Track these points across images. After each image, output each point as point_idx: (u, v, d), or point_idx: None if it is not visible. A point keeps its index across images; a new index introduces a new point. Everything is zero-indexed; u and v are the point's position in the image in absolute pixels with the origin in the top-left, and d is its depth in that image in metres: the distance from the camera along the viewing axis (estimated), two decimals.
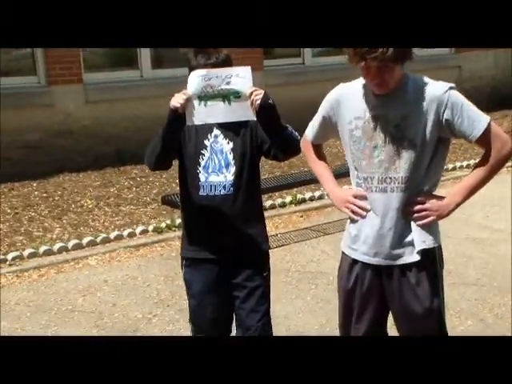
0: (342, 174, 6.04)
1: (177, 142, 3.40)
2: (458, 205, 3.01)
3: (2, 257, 6.10)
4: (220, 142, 3.43)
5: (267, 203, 7.42)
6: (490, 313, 4.98)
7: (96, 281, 5.74)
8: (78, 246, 6.38)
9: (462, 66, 12.64)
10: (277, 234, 6.73)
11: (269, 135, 3.34)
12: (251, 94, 3.17)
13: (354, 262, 3.18)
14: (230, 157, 3.42)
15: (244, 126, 3.41)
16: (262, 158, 3.53)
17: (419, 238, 3.00)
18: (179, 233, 6.68)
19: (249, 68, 3.20)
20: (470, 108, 2.91)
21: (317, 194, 7.68)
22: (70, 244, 6.37)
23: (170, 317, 5.04)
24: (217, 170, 3.41)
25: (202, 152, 3.43)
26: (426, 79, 2.99)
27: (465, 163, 8.93)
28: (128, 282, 5.72)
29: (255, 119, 3.25)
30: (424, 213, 2.98)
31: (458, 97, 2.91)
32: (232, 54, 3.40)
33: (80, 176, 8.62)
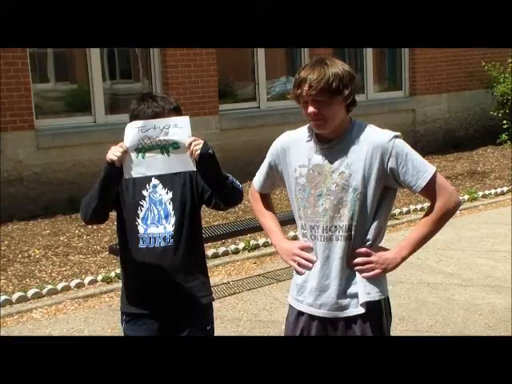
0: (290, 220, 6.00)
1: (114, 194, 3.30)
2: (404, 259, 2.94)
3: None
4: (159, 192, 3.33)
5: (220, 250, 7.31)
6: None
7: (39, 335, 5.53)
8: (23, 299, 6.17)
9: (416, 109, 12.76)
10: (229, 282, 6.60)
11: (209, 185, 3.27)
12: (190, 144, 3.10)
13: (300, 313, 3.10)
14: (170, 207, 3.32)
15: (183, 175, 3.32)
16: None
17: (364, 290, 2.93)
18: None
19: (187, 118, 3.14)
20: (415, 157, 2.86)
21: (270, 240, 7.57)
22: (15, 297, 6.16)
23: None
24: (156, 221, 3.32)
25: (141, 203, 3.33)
26: (372, 127, 2.95)
27: (419, 206, 8.93)
28: (74, 335, 5.52)
29: (195, 170, 3.17)
30: (369, 265, 2.92)
31: (403, 146, 2.86)
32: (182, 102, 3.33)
33: (30, 224, 8.42)
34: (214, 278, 6.60)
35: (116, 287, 6.40)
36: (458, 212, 8.73)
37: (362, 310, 2.94)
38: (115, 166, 3.12)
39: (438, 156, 12.20)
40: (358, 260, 2.93)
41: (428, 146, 12.42)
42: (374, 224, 2.93)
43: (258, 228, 6.97)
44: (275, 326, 5.51)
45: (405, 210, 8.84)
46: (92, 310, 6.05)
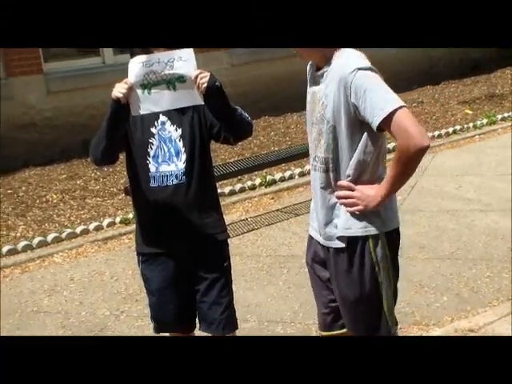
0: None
1: (122, 133, 3.24)
2: (383, 197, 2.80)
3: None
4: (168, 129, 3.26)
5: (237, 186, 7.27)
6: (465, 287, 4.88)
7: (62, 279, 5.57)
8: (43, 244, 6.20)
9: None
10: (247, 218, 6.58)
11: (218, 118, 3.21)
12: (197, 77, 3.03)
13: (311, 237, 3.14)
14: (180, 144, 3.26)
15: (191, 111, 3.24)
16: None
17: (344, 225, 2.90)
18: None
19: (191, 50, 3.04)
20: (375, 93, 2.66)
21: (287, 174, 7.53)
22: (35, 242, 6.19)
23: (139, 312, 4.89)
24: (167, 159, 3.26)
25: (150, 141, 3.26)
26: (352, 54, 2.79)
27: (436, 133, 8.80)
28: (95, 278, 5.56)
29: (203, 103, 3.11)
30: (351, 200, 2.86)
31: (363, 80, 2.68)
32: None
33: (46, 169, 8.40)
34: (232, 216, 6.59)
35: (134, 228, 6.38)
36: (476, 137, 8.75)
37: (339, 244, 2.91)
38: (121, 103, 3.06)
39: (454, 81, 11.98)
40: (339, 193, 2.89)
41: (444, 71, 12.18)
42: (354, 159, 2.81)
43: (275, 162, 6.95)
44: (295, 261, 5.50)
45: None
46: (112, 252, 6.07)
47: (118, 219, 6.62)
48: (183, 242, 3.32)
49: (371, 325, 2.98)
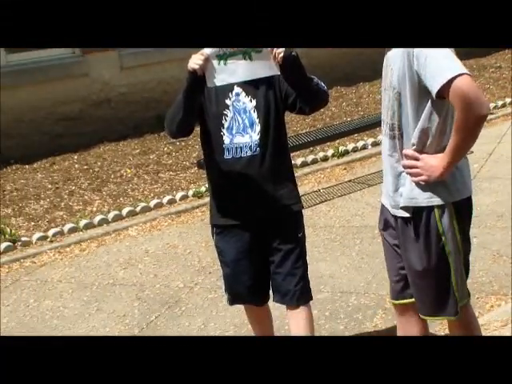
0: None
1: (198, 105, 3.24)
2: (445, 168, 2.71)
3: (43, 234, 6.05)
4: (242, 101, 3.24)
5: (309, 158, 7.21)
6: None
7: (137, 252, 5.66)
8: (118, 217, 6.30)
9: None
10: (319, 190, 6.52)
11: (294, 88, 3.18)
12: (273, 47, 3.00)
13: (382, 205, 3.07)
14: (254, 115, 3.24)
15: (265, 81, 3.21)
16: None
17: (409, 194, 2.83)
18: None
19: None
20: (438, 60, 2.58)
21: (360, 144, 7.43)
22: (110, 216, 6.30)
23: (212, 284, 4.92)
24: (241, 131, 3.24)
25: (225, 112, 3.25)
26: None
27: None
28: (169, 250, 5.62)
29: (279, 74, 3.08)
30: (415, 170, 2.79)
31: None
32: None
33: (120, 145, 8.52)
34: (305, 187, 6.55)
35: (207, 201, 6.33)
36: None
37: (405, 214, 2.85)
38: (197, 74, 3.05)
39: None
40: (405, 162, 2.83)
41: None
42: (419, 127, 2.75)
43: (347, 133, 6.87)
44: (368, 231, 5.43)
45: (500, 103, 8.45)
46: (185, 225, 6.12)
47: (190, 193, 6.66)
48: (257, 213, 3.31)
49: (438, 296, 2.91)
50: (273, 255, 3.36)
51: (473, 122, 2.56)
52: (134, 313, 4.66)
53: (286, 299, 3.39)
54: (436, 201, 2.80)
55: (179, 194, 6.63)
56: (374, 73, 10.16)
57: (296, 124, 8.31)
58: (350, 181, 6.70)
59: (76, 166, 7.88)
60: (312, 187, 6.61)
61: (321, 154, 7.25)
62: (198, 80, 3.08)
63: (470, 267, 4.60)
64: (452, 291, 2.89)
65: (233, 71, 3.07)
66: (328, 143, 7.21)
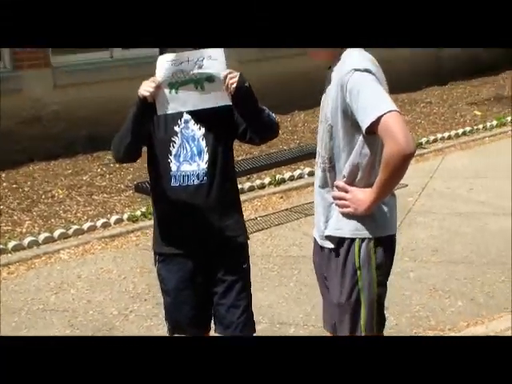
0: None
1: (146, 131, 3.17)
2: (372, 202, 2.76)
3: None
4: (191, 128, 3.19)
5: (245, 185, 7.18)
6: (480, 292, 4.81)
7: (69, 276, 5.48)
8: (50, 240, 6.10)
9: None
10: (256, 218, 6.49)
11: (245, 119, 3.14)
12: (226, 77, 2.97)
13: (314, 237, 3.09)
14: (203, 143, 3.18)
15: (216, 109, 3.15)
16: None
17: (335, 225, 2.88)
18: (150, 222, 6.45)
19: (222, 49, 2.98)
20: (368, 95, 2.63)
21: (296, 173, 7.45)
22: (41, 237, 6.09)
23: (148, 312, 4.81)
24: (189, 159, 3.18)
25: (173, 139, 3.19)
26: (354, 56, 2.77)
27: (446, 134, 8.72)
28: (103, 275, 5.46)
29: (231, 104, 3.04)
30: (344, 202, 2.84)
31: (358, 81, 2.65)
32: None
33: (51, 164, 8.28)
34: None
35: (142, 226, 6.32)
36: (486, 139, 8.68)
37: (329, 244, 2.90)
38: (148, 101, 2.99)
39: (462, 82, 11.90)
40: (334, 193, 2.88)
41: (451, 72, 12.09)
42: (349, 161, 2.79)
43: (283, 162, 6.88)
44: (306, 262, 5.38)
45: (431, 138, 8.63)
46: (120, 249, 5.98)
47: (125, 216, 6.52)
48: (202, 244, 3.25)
49: (347, 330, 2.91)
50: (216, 286, 3.29)
51: (399, 159, 2.59)
52: None
53: (228, 331, 3.32)
54: (359, 234, 2.84)
55: (114, 218, 6.48)
56: (309, 102, 10.31)
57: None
58: (286, 209, 6.70)
59: (4, 184, 7.62)
60: (249, 215, 6.57)
61: (258, 182, 7.23)
62: (147, 107, 3.02)
63: (408, 301, 4.72)
64: (360, 328, 2.89)
65: (184, 100, 3.03)
66: (265, 171, 7.19)
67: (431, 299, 4.73)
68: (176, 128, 3.19)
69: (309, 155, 6.92)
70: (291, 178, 7.41)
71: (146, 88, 2.99)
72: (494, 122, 9.10)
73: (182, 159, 3.18)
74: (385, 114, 2.57)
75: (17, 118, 8.50)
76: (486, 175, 7.28)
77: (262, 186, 7.22)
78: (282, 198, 7.03)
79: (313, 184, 7.00)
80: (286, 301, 4.87)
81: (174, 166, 3.19)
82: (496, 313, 4.49)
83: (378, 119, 2.58)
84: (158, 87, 2.98)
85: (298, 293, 4.97)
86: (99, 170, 8.00)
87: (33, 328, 4.66)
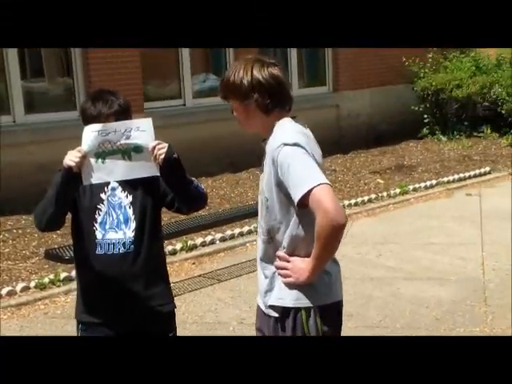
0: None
1: (71, 200, 3.09)
2: (311, 272, 2.78)
3: None
4: (118, 196, 3.14)
5: None
6: None
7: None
8: None
9: (339, 104, 12.78)
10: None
11: (173, 190, 3.11)
12: (154, 148, 2.94)
13: (258, 305, 3.07)
14: (130, 211, 3.14)
15: (144, 178, 3.11)
16: None
17: (277, 295, 2.90)
18: (64, 288, 6.24)
19: (150, 120, 2.97)
20: (297, 170, 2.68)
21: (208, 238, 7.40)
22: None
23: None
24: (115, 227, 3.12)
25: (99, 207, 3.13)
26: (282, 128, 2.83)
27: (353, 201, 8.91)
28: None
29: (158, 174, 3.01)
30: (285, 271, 2.86)
31: (287, 156, 2.71)
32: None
33: None
34: None
35: (51, 293, 6.10)
36: (391, 206, 8.91)
37: (273, 313, 2.90)
38: (73, 171, 2.91)
39: (363, 151, 12.27)
40: (276, 263, 2.90)
41: (352, 142, 12.46)
42: (287, 232, 2.83)
43: (194, 229, 6.82)
44: (222, 328, 5.35)
45: (366, 198, 8.98)
46: (27, 318, 5.72)
47: (32, 284, 6.27)
48: (127, 313, 3.16)
49: None
50: None
51: (330, 230, 2.62)
52: None
53: None
54: (302, 303, 2.84)
55: (20, 285, 6.21)
56: (217, 169, 10.37)
57: None
58: (199, 275, 6.62)
59: None
60: None
61: (169, 248, 7.12)
62: (73, 177, 2.95)
63: None
64: None
65: (110, 170, 2.98)
66: (176, 238, 7.11)
67: None
68: (102, 195, 3.13)
69: (220, 222, 6.99)
70: (203, 244, 7.36)
71: (71, 158, 2.93)
72: (398, 190, 9.37)
73: (107, 227, 3.12)
74: (314, 187, 2.62)
75: None
76: (393, 241, 7.44)
77: (174, 252, 7.12)
78: (194, 263, 6.95)
79: (224, 250, 7.12)
80: None
81: (99, 234, 3.12)
82: None
83: (309, 192, 2.62)
84: (84, 157, 2.92)
85: None
86: (1, 236, 7.69)
87: None
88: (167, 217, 8.07)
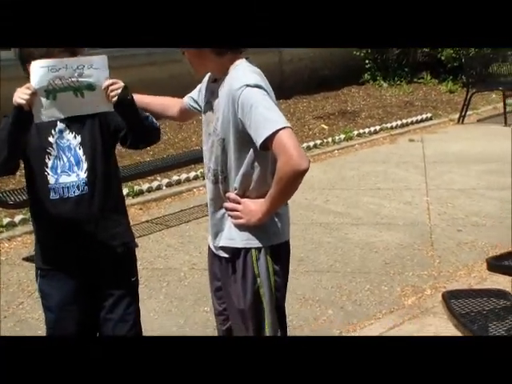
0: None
1: (24, 142, 2.94)
2: (264, 214, 2.77)
3: None
4: (66, 138, 3.01)
5: None
6: (348, 300, 4.91)
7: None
8: None
9: (282, 49, 12.68)
10: None
11: (127, 128, 3.00)
12: (107, 88, 2.81)
13: (209, 246, 3.10)
14: (80, 152, 3.01)
15: (91, 116, 3.00)
16: None
17: (227, 235, 2.90)
18: (7, 234, 6.10)
19: (105, 57, 2.83)
20: (260, 111, 2.63)
21: (154, 184, 7.32)
22: None
23: (10, 330, 4.50)
24: (67, 170, 3.00)
25: (48, 151, 3.00)
26: (241, 70, 2.79)
27: (318, 141, 8.92)
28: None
29: (113, 110, 2.88)
30: (236, 213, 2.85)
31: (250, 97, 2.66)
32: None
33: None
34: None
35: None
36: (336, 152, 8.96)
37: (223, 254, 2.93)
38: (23, 109, 2.77)
39: (305, 96, 12.26)
40: (226, 205, 2.89)
41: (295, 86, 12.42)
42: (241, 173, 2.80)
43: (141, 174, 6.72)
44: (174, 274, 5.32)
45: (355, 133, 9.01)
46: None
47: None
48: (88, 256, 3.07)
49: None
50: (103, 300, 3.13)
51: (291, 175, 2.60)
52: None
53: None
54: (253, 243, 2.85)
55: None
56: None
57: None
58: (147, 221, 6.55)
59: None
60: None
61: None
62: (24, 115, 2.80)
63: None
64: (264, 331, 2.92)
65: (62, 107, 2.82)
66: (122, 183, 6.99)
67: (303, 309, 4.77)
68: (50, 139, 3.00)
69: (165, 168, 6.90)
70: (149, 190, 7.26)
71: (20, 96, 2.76)
72: (342, 136, 9.41)
73: (59, 171, 3.00)
74: (279, 130, 2.57)
75: None
76: (340, 187, 7.49)
77: None
78: (141, 209, 6.87)
79: (171, 195, 7.04)
80: (157, 314, 4.73)
81: (51, 179, 3.00)
82: (366, 320, 4.60)
83: (272, 135, 2.57)
84: (34, 94, 2.77)
85: (168, 305, 4.85)
86: None
87: None
88: None
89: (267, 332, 2.90)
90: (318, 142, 9.15)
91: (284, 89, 12.24)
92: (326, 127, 10.03)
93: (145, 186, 7.26)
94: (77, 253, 3.06)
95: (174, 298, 4.94)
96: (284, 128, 2.58)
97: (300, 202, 6.92)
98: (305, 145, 8.96)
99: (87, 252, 3.06)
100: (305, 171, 2.59)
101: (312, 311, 4.75)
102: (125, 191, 7.05)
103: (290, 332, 4.36)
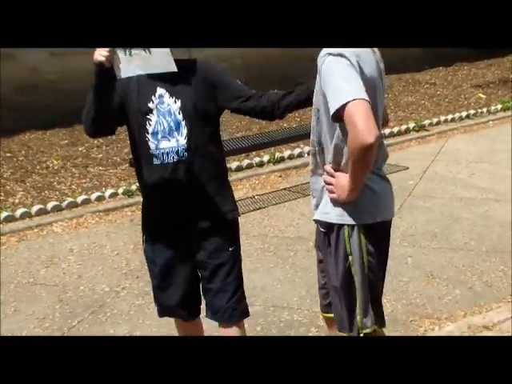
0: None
1: (111, 102, 2.99)
2: (350, 190, 2.67)
3: None
4: (166, 102, 3.01)
5: (244, 162, 7.07)
6: (478, 280, 4.70)
7: (61, 250, 5.38)
8: (42, 212, 6.00)
9: None
10: (254, 196, 6.38)
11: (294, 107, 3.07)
12: None
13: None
14: (180, 117, 3.01)
15: (192, 80, 3.02)
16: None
17: (323, 209, 2.82)
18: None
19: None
20: (336, 82, 2.53)
21: (296, 151, 7.33)
22: (34, 209, 5.99)
23: (140, 289, 4.71)
24: (167, 135, 3.02)
25: (148, 117, 3.02)
26: None
27: (449, 117, 8.58)
28: (95, 250, 5.37)
29: (176, 70, 2.82)
30: (329, 187, 2.77)
31: (330, 66, 2.56)
32: None
33: (47, 134, 8.16)
34: (238, 192, 6.40)
35: (137, 201, 6.19)
36: (490, 123, 8.56)
37: (319, 227, 2.86)
38: (105, 67, 2.82)
39: (466, 63, 11.74)
40: (324, 177, 2.81)
41: (457, 53, 11.90)
42: (332, 145, 2.69)
43: (283, 140, 6.74)
44: (302, 243, 5.32)
45: (435, 120, 8.50)
46: (113, 224, 5.88)
47: (120, 190, 6.41)
48: (187, 223, 3.10)
49: (343, 313, 2.86)
50: (202, 269, 3.17)
51: (358, 149, 2.48)
52: (55, 316, 4.41)
53: (217, 316, 3.20)
54: (346, 220, 2.76)
55: (109, 191, 6.37)
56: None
57: (231, 126, 8.15)
58: (285, 189, 6.59)
59: None
60: (246, 193, 6.47)
61: (256, 160, 7.10)
62: (106, 72, 2.84)
63: (405, 288, 4.62)
64: (355, 312, 2.83)
65: (137, 63, 2.83)
66: (264, 149, 7.07)
67: (428, 286, 4.63)
68: (150, 104, 3.02)
69: (308, 134, 6.83)
70: (291, 157, 7.28)
71: (100, 53, 2.80)
72: (499, 106, 8.96)
73: (160, 136, 3.02)
74: (350, 101, 2.46)
75: (12, 86, 8.34)
76: (488, 160, 7.16)
77: (261, 164, 7.09)
78: (280, 176, 6.92)
79: None
80: (280, 283, 4.77)
81: (152, 145, 3.03)
82: (494, 303, 4.39)
83: (343, 106, 2.47)
84: (112, 51, 2.81)
85: (293, 275, 4.87)
86: (96, 141, 7.83)
87: (20, 302, 4.57)
88: (256, 127, 8.06)
89: (357, 314, 2.82)
90: (472, 112, 8.75)
91: (445, 56, 11.81)
92: (483, 96, 9.58)
93: (286, 153, 7.28)
94: (177, 218, 3.10)
95: (299, 269, 4.95)
96: (355, 99, 2.47)
97: (443, 174, 6.70)
98: (457, 115, 8.62)
99: (187, 218, 3.09)
100: (370, 146, 2.48)
101: (438, 290, 4.60)
102: (266, 157, 7.13)
103: (411, 310, 4.29)
